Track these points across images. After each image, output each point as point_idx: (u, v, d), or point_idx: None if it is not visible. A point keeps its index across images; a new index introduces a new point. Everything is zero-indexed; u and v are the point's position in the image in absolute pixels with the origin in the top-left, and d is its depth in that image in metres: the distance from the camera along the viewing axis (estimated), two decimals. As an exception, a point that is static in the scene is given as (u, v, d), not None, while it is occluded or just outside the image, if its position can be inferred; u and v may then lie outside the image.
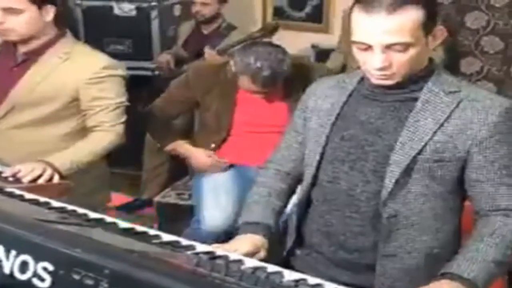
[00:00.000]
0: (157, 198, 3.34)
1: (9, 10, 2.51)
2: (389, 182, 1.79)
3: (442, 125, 1.79)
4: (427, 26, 1.77)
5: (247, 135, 3.02)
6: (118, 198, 4.11)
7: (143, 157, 4.43)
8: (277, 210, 2.03)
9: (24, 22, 2.53)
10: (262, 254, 1.84)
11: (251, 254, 1.77)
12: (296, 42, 4.38)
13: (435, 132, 1.79)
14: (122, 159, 3.58)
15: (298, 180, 2.09)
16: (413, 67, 1.80)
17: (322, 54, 4.67)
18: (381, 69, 1.77)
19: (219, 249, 1.65)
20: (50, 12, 2.57)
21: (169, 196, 3.27)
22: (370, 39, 1.75)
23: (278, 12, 4.87)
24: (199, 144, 3.12)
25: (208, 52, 4.32)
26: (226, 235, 2.56)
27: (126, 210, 4.18)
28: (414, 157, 1.78)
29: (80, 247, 1.28)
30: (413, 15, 1.73)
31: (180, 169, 3.70)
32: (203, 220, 2.93)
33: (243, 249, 1.78)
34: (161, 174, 4.38)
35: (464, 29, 4.58)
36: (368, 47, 1.76)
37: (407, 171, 1.79)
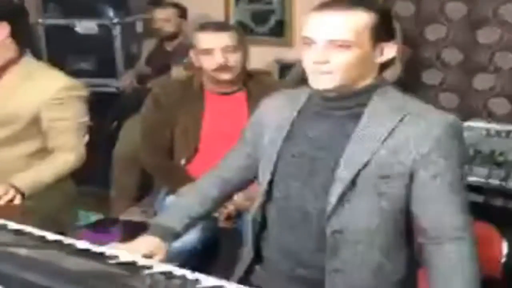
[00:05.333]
0: (122, 216, 3.34)
1: None
2: (332, 198, 1.80)
3: (385, 140, 1.79)
4: (376, 34, 1.80)
5: (214, 151, 3.02)
6: (86, 217, 4.10)
7: (111, 175, 4.42)
8: (193, 216, 2.05)
9: None
10: (158, 257, 1.87)
11: (147, 256, 1.82)
12: (259, 56, 4.40)
13: (378, 148, 1.79)
14: (90, 177, 3.57)
15: (238, 188, 2.17)
16: (354, 73, 1.81)
17: (286, 68, 4.72)
18: (319, 62, 1.79)
19: (115, 249, 1.72)
20: (4, 30, 2.54)
21: (135, 214, 3.27)
22: (314, 33, 1.80)
23: (241, 27, 4.89)
24: (175, 160, 3.09)
25: (176, 68, 4.34)
26: (191, 253, 2.55)
27: (93, 228, 4.16)
28: (358, 173, 1.78)
29: (33, 271, 1.28)
30: (362, 18, 1.78)
31: (149, 186, 3.69)
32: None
33: (138, 251, 1.82)
34: (129, 192, 4.36)
35: (424, 41, 4.65)
36: (312, 42, 1.80)
37: (352, 186, 1.79)
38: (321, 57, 1.79)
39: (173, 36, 4.63)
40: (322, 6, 1.82)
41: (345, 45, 1.77)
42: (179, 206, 2.11)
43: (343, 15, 1.77)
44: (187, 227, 2.04)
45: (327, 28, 1.78)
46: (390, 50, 1.85)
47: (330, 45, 1.78)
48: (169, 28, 4.60)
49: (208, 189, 2.12)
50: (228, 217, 2.83)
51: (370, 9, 1.80)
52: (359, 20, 1.78)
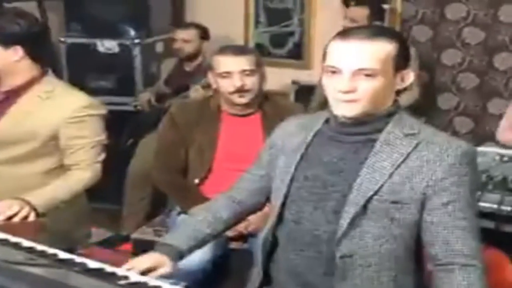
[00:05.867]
0: (134, 235, 3.36)
1: None
2: (343, 222, 1.82)
3: (399, 166, 1.82)
4: (397, 62, 1.85)
5: (227, 172, 3.04)
6: (99, 234, 4.11)
7: (124, 193, 4.45)
8: (199, 238, 2.08)
9: None
10: (162, 270, 1.91)
11: (150, 270, 1.86)
12: (277, 78, 4.44)
13: (391, 173, 1.82)
14: (103, 195, 3.61)
15: (251, 210, 2.20)
16: (377, 100, 1.85)
17: (303, 90, 4.77)
18: (347, 92, 1.82)
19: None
20: (17, 52, 2.62)
21: (146, 233, 3.29)
22: (340, 63, 1.83)
23: (260, 49, 4.94)
24: (188, 179, 3.11)
25: (194, 88, 4.38)
26: (202, 272, 2.57)
27: (105, 246, 4.18)
28: (370, 198, 1.81)
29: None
30: (385, 47, 1.83)
31: (160, 205, 3.72)
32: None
33: (141, 266, 1.86)
34: (141, 210, 4.39)
35: (440, 65, 4.66)
36: (338, 71, 1.83)
37: (363, 211, 1.82)
38: (348, 86, 1.82)
39: (192, 57, 4.66)
40: (346, 35, 1.86)
41: (371, 74, 1.81)
42: (187, 226, 2.14)
43: (368, 44, 1.82)
44: (193, 248, 2.07)
45: (354, 57, 1.81)
46: (409, 77, 1.90)
47: (356, 74, 1.81)
48: (189, 48, 4.64)
49: (219, 210, 2.14)
50: (239, 237, 2.85)
51: (392, 38, 1.85)
52: (384, 49, 1.83)
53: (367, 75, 1.81)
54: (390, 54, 1.84)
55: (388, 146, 1.86)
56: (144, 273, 1.83)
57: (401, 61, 1.87)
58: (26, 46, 2.61)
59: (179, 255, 2.02)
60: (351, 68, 1.81)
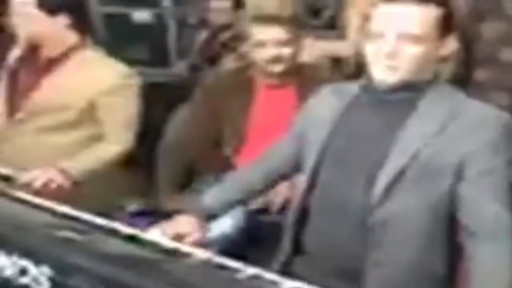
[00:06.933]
0: (166, 205, 3.38)
1: (25, 16, 2.57)
2: (378, 190, 1.81)
3: (435, 136, 1.80)
4: (442, 28, 1.81)
5: (260, 143, 3.03)
6: (133, 204, 4.14)
7: (157, 164, 4.46)
8: (230, 200, 2.13)
9: (35, 28, 2.59)
10: (195, 235, 1.94)
11: (182, 235, 1.91)
12: (312, 49, 4.40)
13: (428, 142, 1.79)
14: (136, 166, 3.62)
15: (282, 177, 2.20)
16: (418, 68, 1.82)
17: (338, 62, 4.71)
18: (390, 56, 1.79)
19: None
20: (63, 20, 2.62)
21: (178, 202, 3.30)
22: (385, 26, 1.80)
23: (295, 20, 4.88)
24: (222, 150, 3.11)
25: (227, 59, 4.37)
26: (231, 241, 2.57)
27: (137, 215, 4.20)
28: (405, 167, 1.79)
29: (79, 254, 1.31)
30: (432, 11, 1.79)
31: (194, 176, 3.73)
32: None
33: (174, 229, 1.91)
34: (174, 180, 4.39)
35: (479, 38, 4.57)
36: (381, 35, 1.80)
37: (397, 180, 1.80)
38: (391, 51, 1.79)
39: (226, 27, 4.64)
40: None
41: (416, 39, 1.78)
42: (218, 189, 2.17)
43: (415, 8, 1.78)
44: (224, 209, 2.10)
45: (399, 21, 1.78)
46: (451, 45, 1.86)
47: (400, 38, 1.78)
48: (223, 18, 4.61)
49: (250, 176, 2.16)
50: (269, 208, 2.84)
51: (439, 3, 1.81)
52: (430, 13, 1.79)
53: (411, 40, 1.78)
54: (436, 18, 1.80)
55: (426, 114, 1.83)
56: (176, 237, 1.85)
57: (446, 27, 1.83)
58: (71, 14, 2.62)
59: (211, 216, 2.05)
60: (396, 32, 1.78)
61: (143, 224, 2.02)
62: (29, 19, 2.61)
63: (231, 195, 2.12)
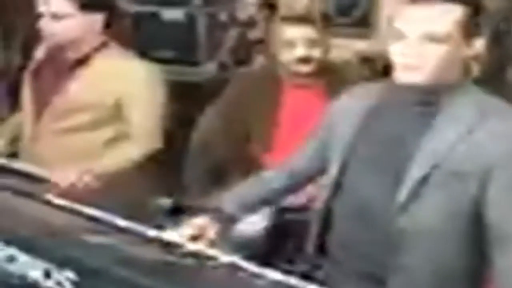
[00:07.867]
0: (194, 203, 3.38)
1: (54, 15, 2.59)
2: (402, 194, 1.79)
3: (463, 138, 1.77)
4: (467, 29, 1.78)
5: (288, 143, 3.02)
6: (164, 203, 4.16)
7: (186, 163, 4.47)
8: (249, 206, 2.15)
9: (67, 27, 2.61)
10: (208, 236, 1.96)
11: (196, 236, 1.92)
12: (340, 48, 4.38)
13: (454, 145, 1.77)
14: (166, 164, 3.64)
15: (308, 179, 2.19)
16: (443, 69, 1.79)
17: (366, 61, 4.68)
18: (411, 56, 1.77)
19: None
20: (97, 20, 2.64)
21: (207, 200, 3.30)
22: (407, 26, 1.78)
23: (324, 18, 4.86)
24: (250, 150, 3.11)
25: (257, 58, 4.37)
26: (259, 243, 2.57)
27: (166, 215, 4.22)
28: (431, 169, 1.77)
29: (105, 258, 1.32)
30: (456, 12, 1.76)
31: (223, 173, 3.73)
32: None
33: (189, 231, 1.93)
34: (203, 179, 4.40)
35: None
36: (404, 35, 1.78)
37: (424, 183, 1.78)
38: (413, 51, 1.77)
39: (255, 24, 4.63)
40: None
41: (439, 40, 1.76)
42: (237, 192, 2.17)
43: (438, 8, 1.76)
44: (241, 215, 2.11)
45: (422, 21, 1.76)
46: (479, 46, 1.83)
47: (424, 39, 1.76)
48: (254, 17, 4.61)
49: (273, 179, 2.16)
50: (297, 207, 2.84)
51: (464, 3, 1.78)
52: (454, 14, 1.76)
53: (434, 40, 1.76)
54: (461, 19, 1.77)
55: (453, 116, 1.81)
56: (194, 238, 1.87)
57: (471, 28, 1.80)
58: (104, 14, 2.63)
59: (229, 221, 2.07)
60: (418, 32, 1.76)
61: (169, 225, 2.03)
62: (63, 19, 2.61)
63: (250, 200, 2.13)
